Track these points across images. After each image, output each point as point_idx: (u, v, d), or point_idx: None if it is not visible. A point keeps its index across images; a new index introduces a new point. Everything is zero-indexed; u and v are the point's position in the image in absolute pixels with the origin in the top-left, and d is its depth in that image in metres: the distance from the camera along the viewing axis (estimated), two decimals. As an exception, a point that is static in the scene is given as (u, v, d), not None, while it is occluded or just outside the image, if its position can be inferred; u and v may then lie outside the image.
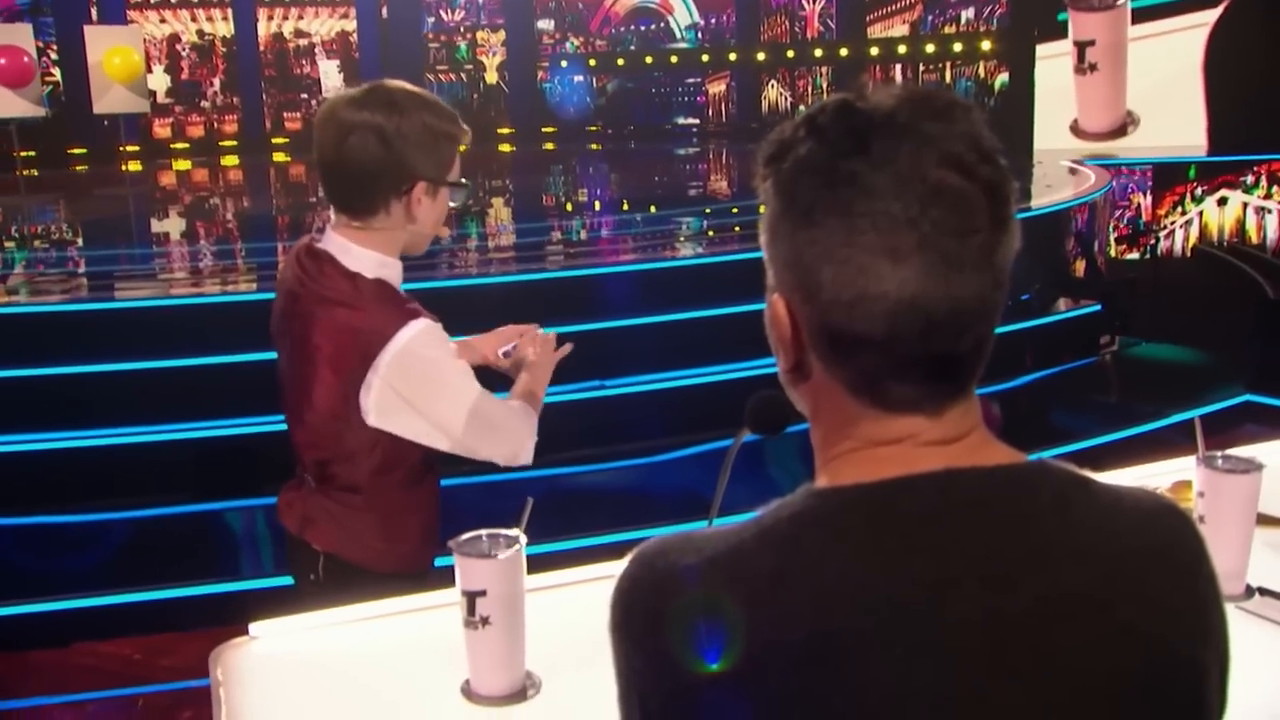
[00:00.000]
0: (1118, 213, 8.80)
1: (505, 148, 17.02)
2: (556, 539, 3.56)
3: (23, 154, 11.34)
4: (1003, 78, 13.57)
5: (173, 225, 10.42)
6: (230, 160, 16.54)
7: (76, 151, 15.33)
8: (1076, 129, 8.99)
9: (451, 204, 1.91)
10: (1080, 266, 7.83)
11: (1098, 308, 6.57)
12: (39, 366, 4.73)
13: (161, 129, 17.17)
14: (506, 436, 1.92)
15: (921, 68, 14.96)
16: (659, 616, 0.76)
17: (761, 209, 0.82)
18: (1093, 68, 8.56)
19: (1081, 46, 8.50)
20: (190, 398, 4.57)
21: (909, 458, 0.79)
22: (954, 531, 0.75)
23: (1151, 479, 1.86)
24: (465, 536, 1.37)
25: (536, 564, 1.47)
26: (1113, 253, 8.64)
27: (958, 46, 14.14)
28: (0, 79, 10.58)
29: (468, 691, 1.37)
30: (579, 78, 17.98)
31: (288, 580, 2.04)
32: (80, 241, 9.17)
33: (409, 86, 1.87)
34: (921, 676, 0.72)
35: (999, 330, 0.80)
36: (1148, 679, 0.75)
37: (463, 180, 1.91)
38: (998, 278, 0.78)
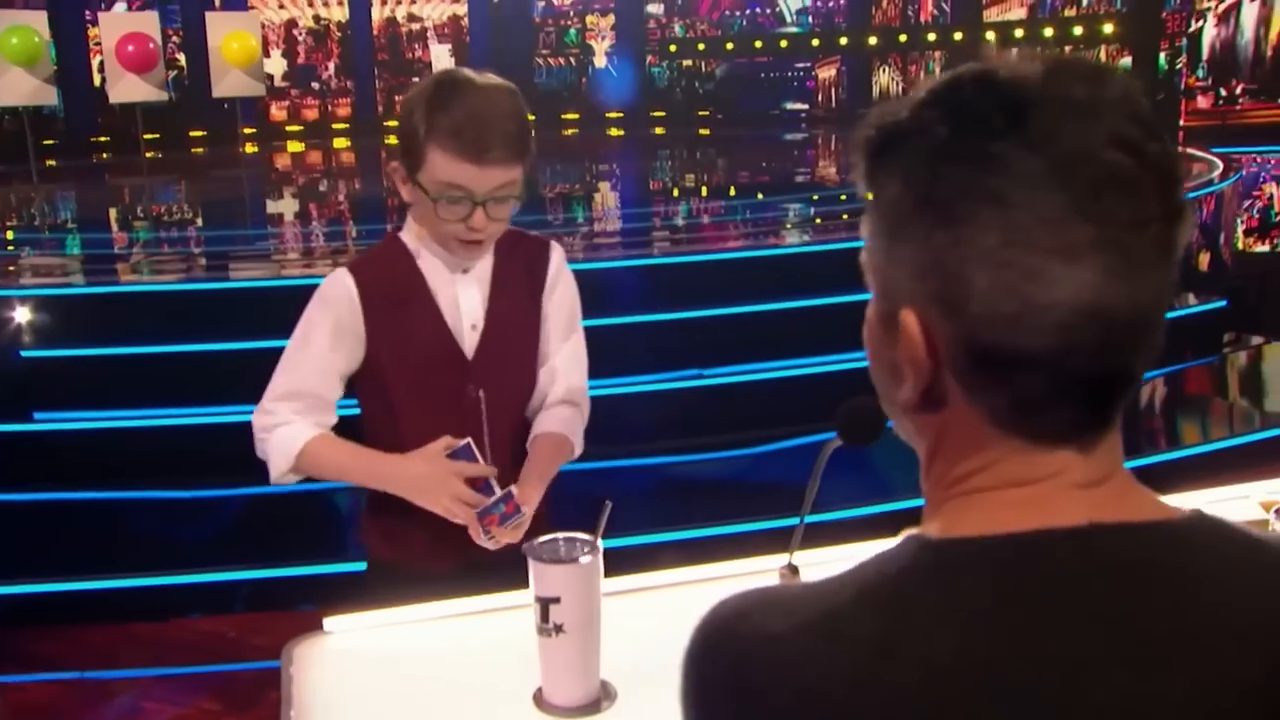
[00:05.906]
0: (1246, 203, 8.40)
1: (615, 132, 17.03)
2: (650, 531, 3.52)
3: (146, 136, 11.68)
4: (1125, 62, 13.06)
5: (286, 206, 10.67)
6: (342, 143, 16.86)
7: (196, 134, 15.78)
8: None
9: (440, 215, 1.67)
10: (1205, 260, 7.48)
11: (1223, 303, 6.25)
12: (154, 344, 4.83)
13: (278, 112, 17.58)
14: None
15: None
16: (743, 693, 0.64)
17: (869, 207, 0.69)
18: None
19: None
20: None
21: (1046, 504, 0.66)
22: (1096, 601, 0.63)
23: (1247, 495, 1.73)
24: (541, 540, 1.32)
25: (630, 557, 1.38)
26: (1239, 245, 8.25)
27: (1078, 30, 13.62)
28: (127, 65, 10.93)
29: (539, 700, 1.33)
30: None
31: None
32: (199, 222, 9.45)
33: (463, 74, 1.68)
34: None
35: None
36: None
37: (424, 188, 1.65)
38: (1172, 274, 0.66)
